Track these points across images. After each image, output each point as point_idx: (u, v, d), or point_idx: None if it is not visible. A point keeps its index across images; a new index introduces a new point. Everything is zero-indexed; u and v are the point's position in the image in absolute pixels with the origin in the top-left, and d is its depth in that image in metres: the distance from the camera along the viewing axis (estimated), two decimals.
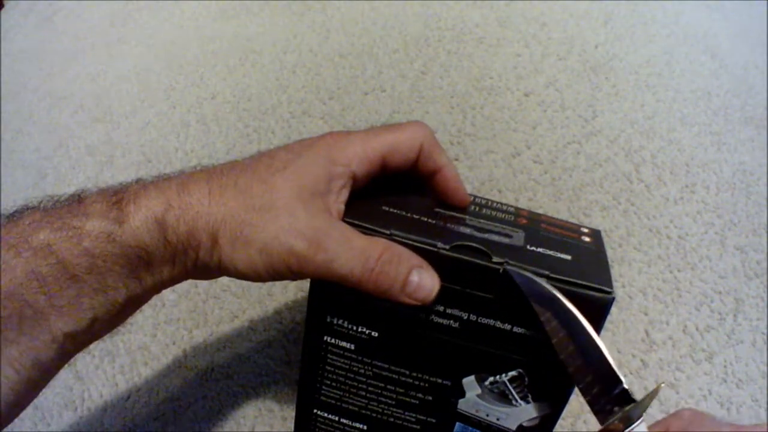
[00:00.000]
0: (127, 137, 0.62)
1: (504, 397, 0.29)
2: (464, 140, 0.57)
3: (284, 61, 0.68)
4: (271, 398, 0.42)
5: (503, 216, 0.30)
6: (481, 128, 0.59)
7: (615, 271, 0.47)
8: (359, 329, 0.29)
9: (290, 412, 0.41)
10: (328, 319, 0.29)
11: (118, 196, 0.25)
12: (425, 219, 0.28)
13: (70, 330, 0.24)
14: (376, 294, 0.26)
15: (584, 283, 0.26)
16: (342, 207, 0.28)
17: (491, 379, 0.28)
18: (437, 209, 0.30)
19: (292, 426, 0.34)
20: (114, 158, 0.60)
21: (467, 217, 0.29)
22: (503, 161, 0.55)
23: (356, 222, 0.27)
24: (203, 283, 0.48)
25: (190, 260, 0.26)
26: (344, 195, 0.28)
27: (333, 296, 0.29)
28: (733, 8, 0.74)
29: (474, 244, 0.26)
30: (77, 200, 0.25)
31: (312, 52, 0.69)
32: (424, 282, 0.26)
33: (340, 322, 0.29)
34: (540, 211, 0.32)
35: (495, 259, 0.26)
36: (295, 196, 0.26)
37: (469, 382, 0.29)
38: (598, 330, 0.26)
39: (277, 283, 0.48)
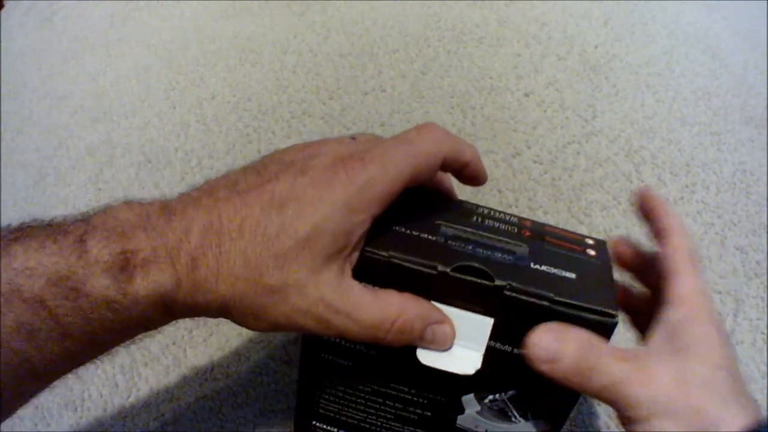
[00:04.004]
0: (127, 137, 0.62)
1: (504, 414, 0.29)
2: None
3: (284, 61, 0.68)
4: (271, 398, 0.42)
5: (506, 228, 0.29)
6: (481, 128, 0.59)
7: (615, 272, 0.47)
8: (357, 347, 0.29)
9: (290, 413, 0.41)
10: (325, 337, 0.29)
11: (125, 257, 0.23)
12: (425, 236, 0.27)
13: (58, 377, 0.24)
14: None
15: (588, 306, 0.25)
16: (357, 253, 0.26)
17: (491, 397, 0.28)
18: (438, 222, 0.28)
19: (292, 426, 0.34)
20: (114, 158, 0.60)
21: (469, 230, 0.28)
22: (503, 161, 0.55)
23: None
24: None
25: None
26: (362, 241, 0.26)
27: None
28: (733, 8, 0.73)
29: (476, 264, 0.26)
30: (79, 241, 0.23)
31: (312, 52, 0.69)
32: (438, 338, 0.26)
33: (337, 339, 0.29)
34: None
35: (497, 282, 0.25)
36: (308, 268, 0.24)
37: (469, 399, 0.29)
38: None
39: None
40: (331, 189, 0.24)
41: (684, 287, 0.26)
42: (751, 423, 0.22)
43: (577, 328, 0.25)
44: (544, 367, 0.25)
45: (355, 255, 0.26)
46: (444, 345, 0.27)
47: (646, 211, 0.30)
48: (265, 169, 0.26)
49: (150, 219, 0.24)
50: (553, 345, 0.25)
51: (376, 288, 0.26)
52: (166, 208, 0.25)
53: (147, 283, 0.23)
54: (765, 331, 0.44)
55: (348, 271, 0.26)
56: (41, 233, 0.23)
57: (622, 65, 0.65)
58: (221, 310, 0.25)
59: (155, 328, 0.25)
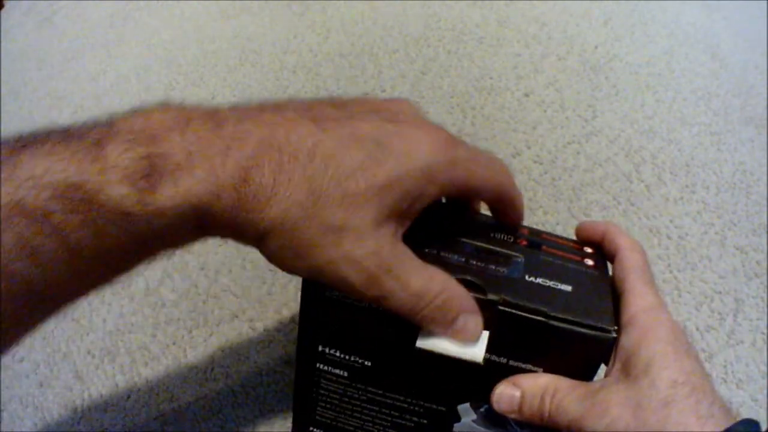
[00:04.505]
0: None
1: (499, 423, 0.28)
2: (464, 140, 0.57)
3: (284, 61, 0.68)
4: (271, 398, 0.42)
5: (503, 237, 0.29)
6: (481, 128, 0.59)
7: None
8: (351, 358, 0.28)
9: (290, 413, 0.41)
10: (320, 349, 0.29)
11: (151, 161, 0.19)
12: (419, 247, 0.26)
13: (68, 302, 0.21)
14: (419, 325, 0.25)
15: (584, 322, 0.25)
16: (409, 224, 0.25)
17: (486, 406, 0.28)
18: (433, 231, 0.28)
19: (291, 428, 0.34)
20: None
21: (464, 240, 0.28)
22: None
23: None
24: (203, 283, 0.48)
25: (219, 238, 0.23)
26: (415, 216, 0.25)
27: (324, 326, 0.28)
28: (733, 8, 0.74)
29: (469, 278, 0.25)
30: (96, 145, 0.19)
31: (312, 52, 0.69)
32: (468, 327, 0.25)
33: (332, 351, 0.28)
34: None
35: (490, 296, 0.25)
36: (373, 218, 0.22)
37: (465, 408, 0.29)
38: (599, 365, 0.26)
39: (277, 282, 0.48)
40: (419, 148, 0.23)
41: (634, 307, 0.26)
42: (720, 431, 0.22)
43: (535, 376, 0.26)
44: (512, 416, 0.27)
45: (407, 225, 0.25)
46: (471, 338, 0.25)
47: (598, 238, 0.30)
48: (344, 106, 0.24)
49: (191, 123, 0.21)
50: (513, 398, 0.26)
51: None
52: (216, 115, 0.22)
53: (176, 192, 0.20)
54: (765, 331, 0.44)
55: (401, 236, 0.24)
56: (54, 138, 0.20)
57: (622, 65, 0.65)
58: (260, 237, 0.22)
59: (182, 245, 0.22)
